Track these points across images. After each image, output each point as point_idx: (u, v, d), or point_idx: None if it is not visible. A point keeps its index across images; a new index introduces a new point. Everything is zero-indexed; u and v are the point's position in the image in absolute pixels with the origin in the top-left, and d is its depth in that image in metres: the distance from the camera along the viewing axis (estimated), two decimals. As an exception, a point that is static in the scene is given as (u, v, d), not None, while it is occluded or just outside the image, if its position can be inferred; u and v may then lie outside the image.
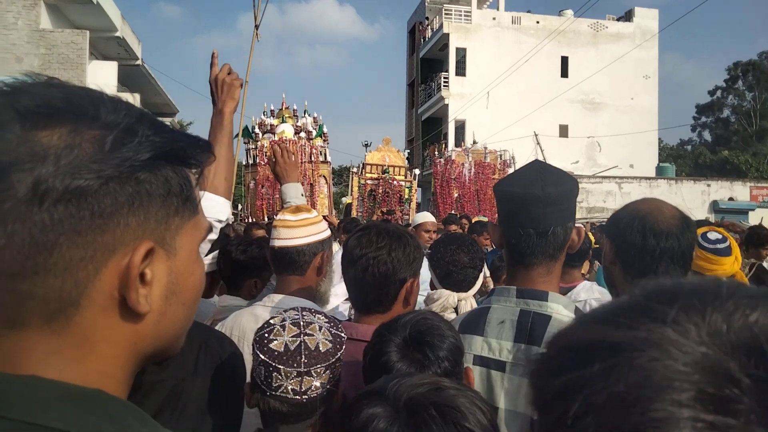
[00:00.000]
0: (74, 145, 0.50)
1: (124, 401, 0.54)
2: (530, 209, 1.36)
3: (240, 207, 15.50)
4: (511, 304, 1.39)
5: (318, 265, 1.86)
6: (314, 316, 1.21)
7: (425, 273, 2.96)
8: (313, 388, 1.12)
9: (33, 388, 0.49)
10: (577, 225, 1.45)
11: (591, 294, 3.00)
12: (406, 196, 12.69)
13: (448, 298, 2.20)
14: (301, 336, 1.14)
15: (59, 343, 0.52)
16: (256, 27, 10.03)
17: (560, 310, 1.36)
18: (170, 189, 0.56)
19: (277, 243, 1.86)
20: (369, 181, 12.60)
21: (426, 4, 32.35)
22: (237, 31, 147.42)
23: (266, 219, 9.84)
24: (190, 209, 0.60)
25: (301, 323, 1.17)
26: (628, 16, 31.56)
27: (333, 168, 12.32)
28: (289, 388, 1.11)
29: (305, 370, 1.10)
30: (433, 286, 2.37)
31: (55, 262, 0.50)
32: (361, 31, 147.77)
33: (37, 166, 0.48)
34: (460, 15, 29.44)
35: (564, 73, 29.73)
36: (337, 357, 1.15)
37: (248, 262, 2.36)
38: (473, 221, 7.86)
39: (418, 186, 13.91)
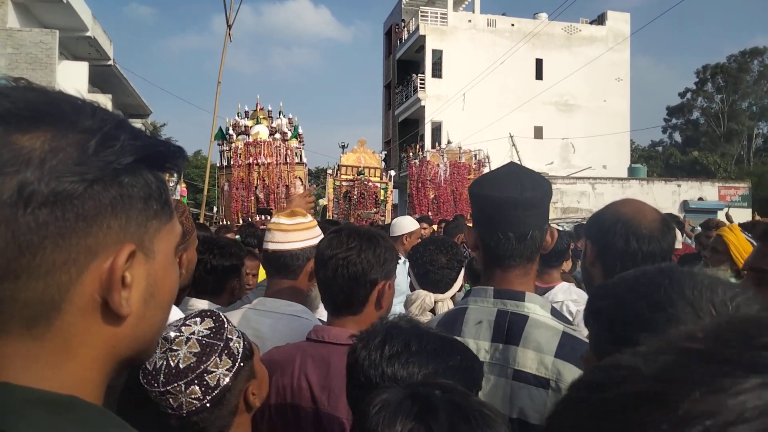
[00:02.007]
0: (58, 148, 0.50)
1: (99, 407, 0.54)
2: (509, 213, 1.37)
3: (215, 210, 15.32)
4: (489, 304, 1.40)
5: (311, 269, 1.85)
6: (197, 324, 1.15)
7: (402, 281, 2.97)
8: (185, 403, 1.08)
9: (6, 395, 0.49)
10: (550, 226, 1.46)
11: (568, 295, 3.03)
12: (382, 198, 12.70)
13: (425, 298, 2.22)
14: (166, 353, 1.10)
15: (39, 348, 0.52)
16: (229, 27, 9.94)
17: (537, 310, 1.37)
18: (150, 193, 0.57)
19: (272, 246, 1.86)
20: (344, 183, 12.58)
21: (402, 6, 32.45)
22: (211, 32, 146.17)
23: (241, 221, 9.74)
24: (167, 213, 0.60)
25: (170, 337, 1.12)
26: (600, 20, 32.06)
27: (310, 170, 12.25)
28: (163, 404, 1.09)
29: (163, 389, 1.07)
30: (413, 290, 2.39)
31: (38, 265, 0.50)
32: (336, 33, 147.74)
33: (21, 170, 0.49)
34: (436, 17, 29.59)
35: (539, 75, 30.07)
36: (201, 369, 1.09)
37: (230, 266, 2.39)
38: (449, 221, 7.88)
39: (395, 187, 13.94)
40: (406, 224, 4.85)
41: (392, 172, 13.71)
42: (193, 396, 1.08)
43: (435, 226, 7.18)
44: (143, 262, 0.57)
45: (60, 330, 0.53)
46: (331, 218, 10.16)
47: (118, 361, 0.58)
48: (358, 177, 12.54)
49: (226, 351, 1.12)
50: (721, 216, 18.35)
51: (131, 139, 0.55)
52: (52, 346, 0.52)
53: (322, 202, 14.29)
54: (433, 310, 2.24)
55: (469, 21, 30.09)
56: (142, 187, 0.56)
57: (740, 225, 4.89)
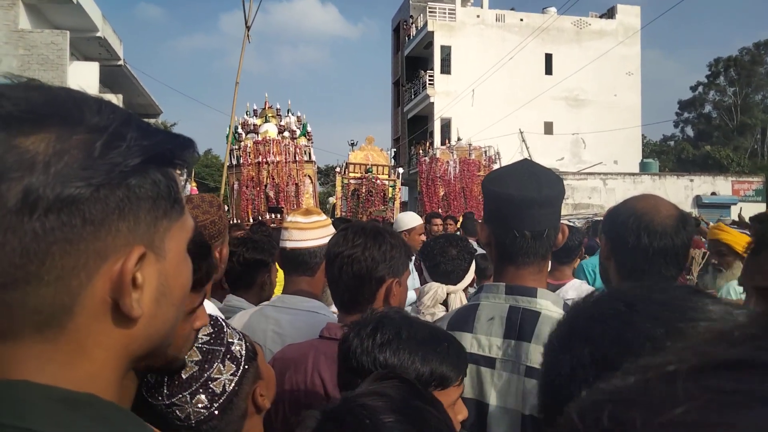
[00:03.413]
0: (63, 151, 0.49)
1: (116, 405, 0.54)
2: (526, 211, 1.36)
3: (226, 208, 15.35)
4: (500, 300, 1.39)
5: None
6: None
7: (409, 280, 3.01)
8: (192, 413, 1.05)
9: (25, 392, 0.49)
10: (561, 223, 1.45)
11: (580, 292, 3.02)
12: (390, 195, 12.68)
13: (437, 290, 2.27)
14: None
15: (52, 350, 0.52)
16: (248, 28, 9.95)
17: (549, 306, 1.36)
18: (159, 192, 0.56)
19: (289, 244, 1.90)
20: (352, 181, 12.57)
21: (410, 2, 32.34)
22: (219, 31, 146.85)
23: (251, 220, 9.77)
24: (178, 211, 0.59)
25: None
26: (610, 13, 31.81)
27: (319, 168, 12.25)
28: (170, 417, 1.06)
29: (168, 402, 1.04)
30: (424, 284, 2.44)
31: (47, 271, 0.49)
32: (344, 31, 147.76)
33: (26, 175, 0.47)
34: (444, 13, 29.49)
35: (548, 71, 29.89)
36: (205, 377, 1.06)
37: (261, 260, 2.44)
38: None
39: (405, 185, 13.92)
40: (407, 220, 4.82)
41: (401, 170, 13.69)
42: (200, 405, 1.05)
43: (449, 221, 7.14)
44: (154, 262, 0.56)
45: (73, 333, 0.52)
46: (340, 216, 10.17)
47: (131, 359, 0.58)
48: (366, 174, 12.53)
49: (228, 356, 1.10)
50: (734, 213, 18.17)
51: (138, 138, 0.53)
52: (66, 348, 0.52)
53: (332, 200, 14.30)
54: (445, 303, 2.28)
55: (478, 16, 29.96)
56: (150, 188, 0.55)
57: (751, 218, 4.80)
